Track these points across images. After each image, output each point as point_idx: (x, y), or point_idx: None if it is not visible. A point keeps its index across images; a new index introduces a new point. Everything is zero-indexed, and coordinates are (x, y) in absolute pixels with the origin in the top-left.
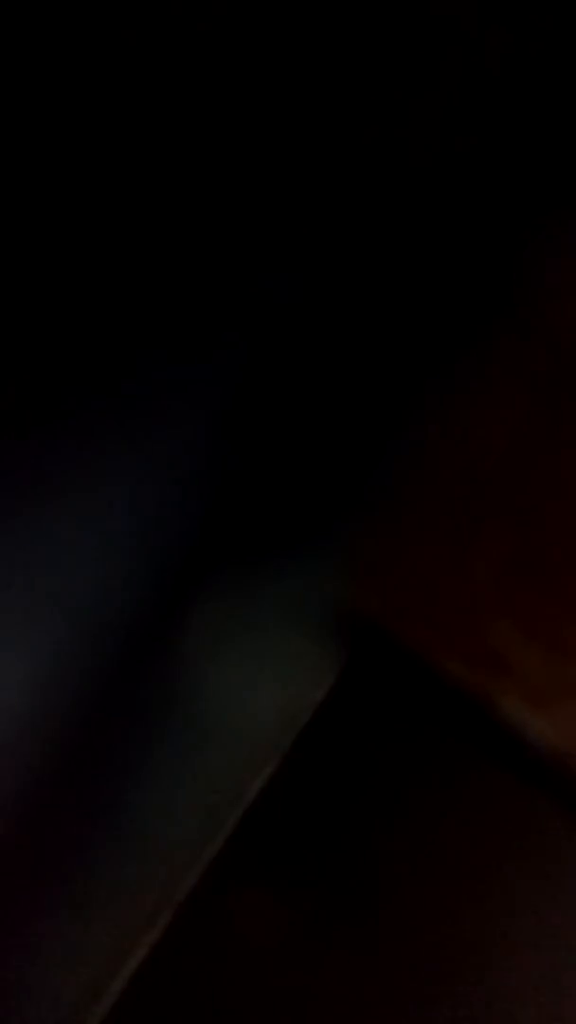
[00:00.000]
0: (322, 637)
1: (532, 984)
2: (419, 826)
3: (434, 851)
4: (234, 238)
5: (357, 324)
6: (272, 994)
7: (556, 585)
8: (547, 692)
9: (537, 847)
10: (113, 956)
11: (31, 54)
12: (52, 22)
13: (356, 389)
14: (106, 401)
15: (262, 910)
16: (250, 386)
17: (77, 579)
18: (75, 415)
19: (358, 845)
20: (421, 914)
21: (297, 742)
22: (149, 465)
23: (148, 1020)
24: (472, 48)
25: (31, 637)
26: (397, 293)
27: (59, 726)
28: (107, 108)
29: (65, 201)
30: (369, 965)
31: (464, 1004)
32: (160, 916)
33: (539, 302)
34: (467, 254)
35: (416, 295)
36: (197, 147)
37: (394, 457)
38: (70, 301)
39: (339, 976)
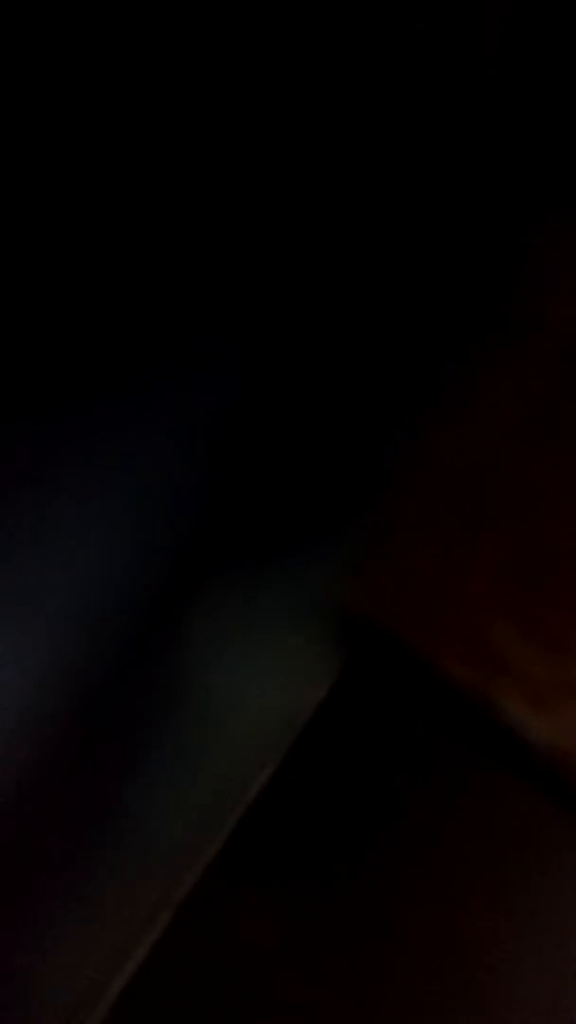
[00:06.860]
0: (322, 637)
1: (532, 984)
2: (419, 826)
3: (434, 851)
4: (234, 237)
5: (356, 327)
6: (272, 994)
7: (555, 585)
8: (547, 692)
9: (537, 847)
10: (113, 956)
11: (31, 53)
12: (52, 21)
13: (355, 391)
14: (105, 402)
15: (262, 910)
16: (250, 387)
17: (77, 579)
18: (75, 417)
19: (358, 845)
20: (421, 914)
21: (297, 742)
22: (149, 466)
23: (148, 1020)
24: (471, 47)
25: (31, 638)
26: (394, 296)
27: (59, 726)
28: (107, 110)
29: (66, 202)
30: (369, 965)
31: (464, 1003)
32: (160, 916)
33: (536, 305)
34: (465, 257)
35: (413, 298)
36: (195, 153)
37: (393, 459)
38: (73, 298)
39: (339, 976)
